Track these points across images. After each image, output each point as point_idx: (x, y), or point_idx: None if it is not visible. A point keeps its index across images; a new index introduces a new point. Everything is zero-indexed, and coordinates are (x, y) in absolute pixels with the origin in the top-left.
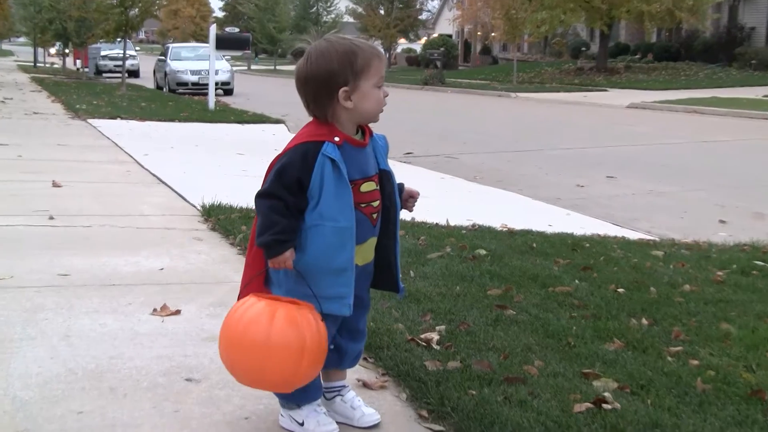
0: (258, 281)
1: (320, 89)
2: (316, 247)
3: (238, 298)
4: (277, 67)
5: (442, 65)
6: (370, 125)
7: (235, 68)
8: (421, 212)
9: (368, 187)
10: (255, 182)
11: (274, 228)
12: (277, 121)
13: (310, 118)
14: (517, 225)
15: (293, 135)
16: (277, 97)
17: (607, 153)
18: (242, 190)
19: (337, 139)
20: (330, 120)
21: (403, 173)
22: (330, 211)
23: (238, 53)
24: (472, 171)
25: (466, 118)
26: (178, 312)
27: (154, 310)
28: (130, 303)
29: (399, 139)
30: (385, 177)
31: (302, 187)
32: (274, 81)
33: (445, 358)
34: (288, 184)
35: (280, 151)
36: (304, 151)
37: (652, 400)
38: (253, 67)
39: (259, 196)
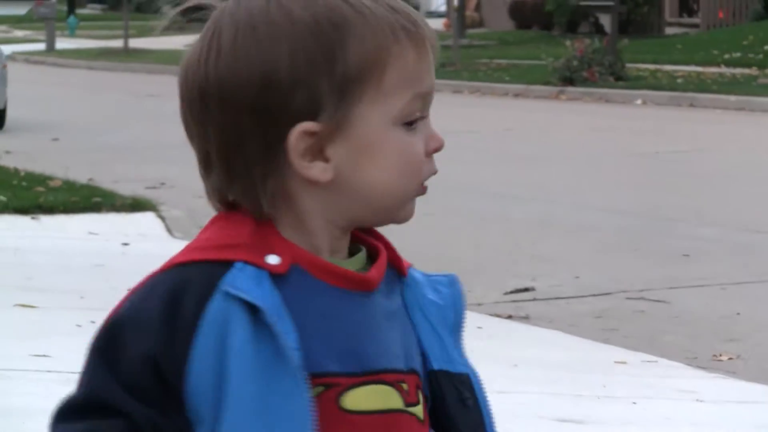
0: None
1: (244, 125)
2: None
3: None
4: (131, 43)
5: (617, 26)
6: (381, 230)
7: (10, 49)
8: None
9: (373, 399)
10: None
11: None
12: (136, 206)
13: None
14: None
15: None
16: (138, 128)
17: None
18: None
19: (274, 259)
20: (268, 211)
21: (502, 350)
22: None
23: (22, 7)
24: (713, 343)
25: (691, 184)
26: None
27: None
28: None
29: (488, 249)
30: (449, 386)
31: (168, 388)
32: (125, 82)
33: None
34: (129, 376)
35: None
36: (176, 285)
37: None
38: (63, 44)
39: (58, 418)
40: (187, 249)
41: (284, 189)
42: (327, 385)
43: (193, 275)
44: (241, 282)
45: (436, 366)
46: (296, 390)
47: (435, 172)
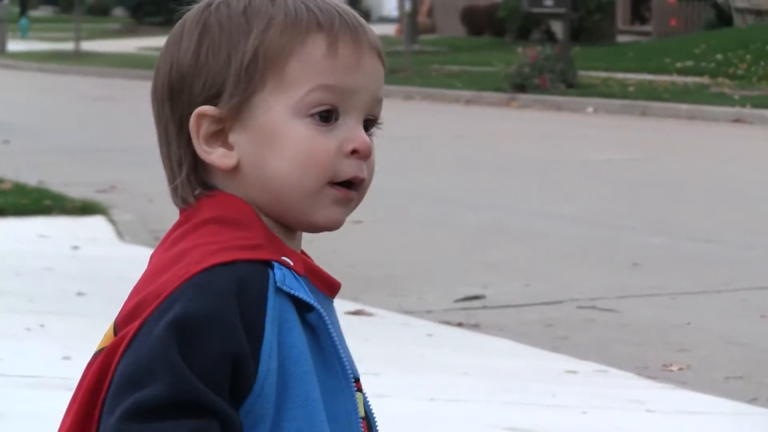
0: None
1: (165, 114)
2: None
3: None
4: (83, 46)
5: (569, 33)
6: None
7: None
8: None
9: (360, 406)
10: None
11: None
12: (86, 209)
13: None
14: None
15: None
16: (89, 131)
17: None
18: None
19: (288, 261)
20: (191, 204)
21: (452, 358)
22: None
23: None
24: (663, 353)
25: (641, 192)
26: None
27: None
28: None
29: (438, 256)
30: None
31: (237, 389)
32: (76, 84)
33: None
34: (211, 376)
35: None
36: (236, 283)
37: None
38: (14, 46)
39: (134, 417)
40: (212, 249)
41: (213, 182)
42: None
43: (246, 274)
44: (290, 281)
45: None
46: (346, 390)
47: (354, 176)
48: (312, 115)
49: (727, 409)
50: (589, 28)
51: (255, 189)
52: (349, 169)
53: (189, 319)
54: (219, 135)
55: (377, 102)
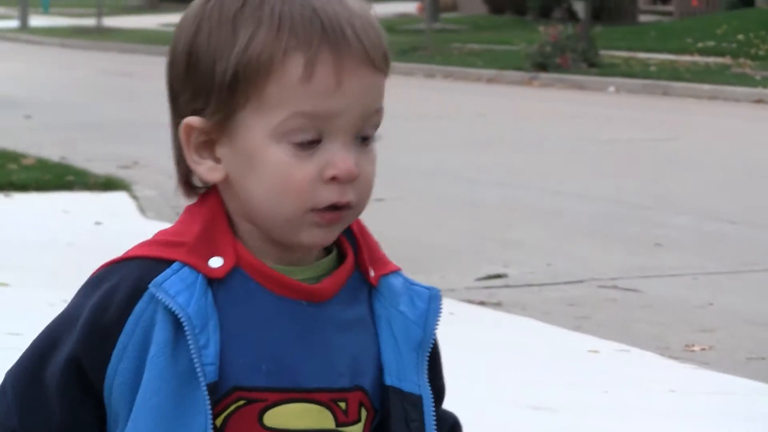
0: None
1: (169, 106)
2: None
3: None
4: (104, 22)
5: (590, 12)
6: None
7: None
8: None
9: (299, 418)
10: None
11: None
12: (109, 185)
13: None
14: None
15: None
16: (111, 107)
17: None
18: None
19: (216, 262)
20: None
21: (474, 337)
22: None
23: None
24: (685, 333)
25: (663, 172)
26: None
27: None
28: None
29: (460, 234)
30: (396, 404)
31: (87, 388)
32: (98, 60)
33: None
34: (59, 371)
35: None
36: (113, 282)
37: None
38: (36, 22)
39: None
40: (146, 241)
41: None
42: (249, 399)
43: (130, 273)
44: (170, 285)
45: (388, 381)
46: (200, 406)
47: (335, 202)
48: (294, 142)
49: (749, 389)
50: (611, 7)
51: (241, 205)
52: (330, 195)
53: (57, 321)
54: (209, 145)
55: (369, 117)
